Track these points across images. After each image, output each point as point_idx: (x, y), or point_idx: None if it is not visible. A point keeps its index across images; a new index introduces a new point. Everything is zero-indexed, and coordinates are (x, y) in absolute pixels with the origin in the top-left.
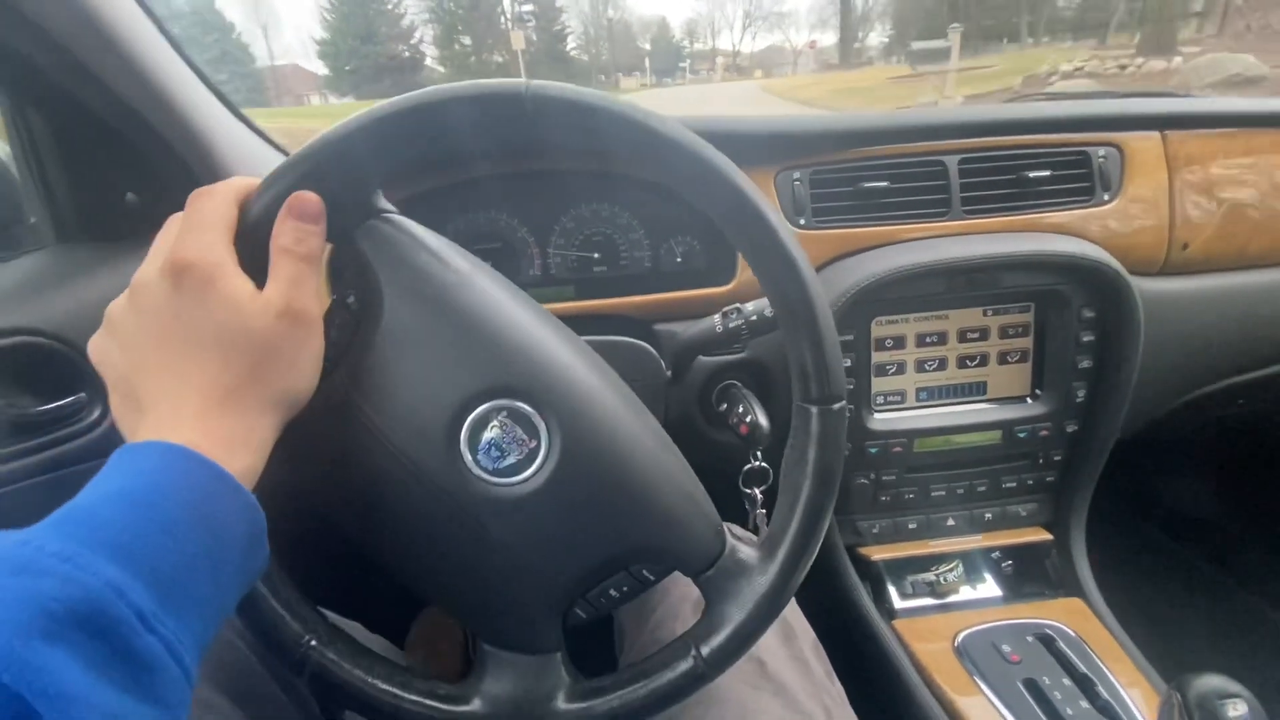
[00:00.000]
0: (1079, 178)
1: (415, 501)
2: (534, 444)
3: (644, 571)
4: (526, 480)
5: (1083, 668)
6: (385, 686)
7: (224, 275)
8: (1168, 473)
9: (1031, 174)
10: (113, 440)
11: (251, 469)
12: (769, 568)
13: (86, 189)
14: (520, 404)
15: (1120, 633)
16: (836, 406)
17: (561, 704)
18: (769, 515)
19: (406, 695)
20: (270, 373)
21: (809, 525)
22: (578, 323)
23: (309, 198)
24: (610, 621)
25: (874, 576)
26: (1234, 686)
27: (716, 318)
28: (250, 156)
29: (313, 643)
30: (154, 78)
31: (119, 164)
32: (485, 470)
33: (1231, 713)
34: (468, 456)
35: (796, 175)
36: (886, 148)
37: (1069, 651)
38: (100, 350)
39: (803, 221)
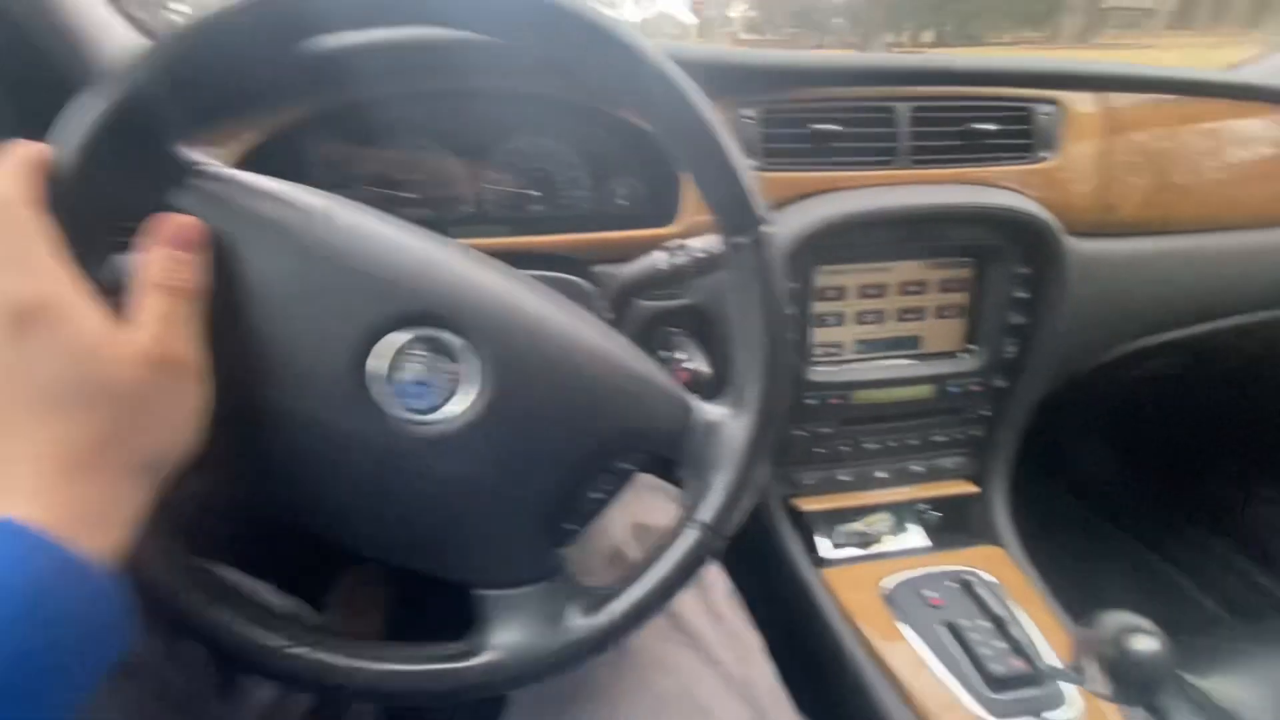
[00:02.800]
0: (1021, 134)
1: (356, 470)
2: (458, 367)
3: (618, 464)
4: (464, 410)
5: (997, 609)
6: (389, 667)
7: (74, 315)
8: (1077, 432)
9: (977, 126)
10: None
11: (116, 546)
12: (742, 417)
13: None
14: (428, 330)
15: (1036, 578)
16: (766, 229)
17: (578, 620)
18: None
19: (413, 668)
20: (138, 431)
21: (774, 362)
22: (512, 261)
23: (185, 221)
24: None
25: (804, 527)
26: (1144, 623)
27: (661, 254)
28: (114, 41)
29: (294, 650)
30: None
31: None
32: (415, 412)
33: (1141, 646)
34: (388, 403)
35: (750, 113)
36: (838, 90)
37: (985, 595)
38: None
39: (755, 165)
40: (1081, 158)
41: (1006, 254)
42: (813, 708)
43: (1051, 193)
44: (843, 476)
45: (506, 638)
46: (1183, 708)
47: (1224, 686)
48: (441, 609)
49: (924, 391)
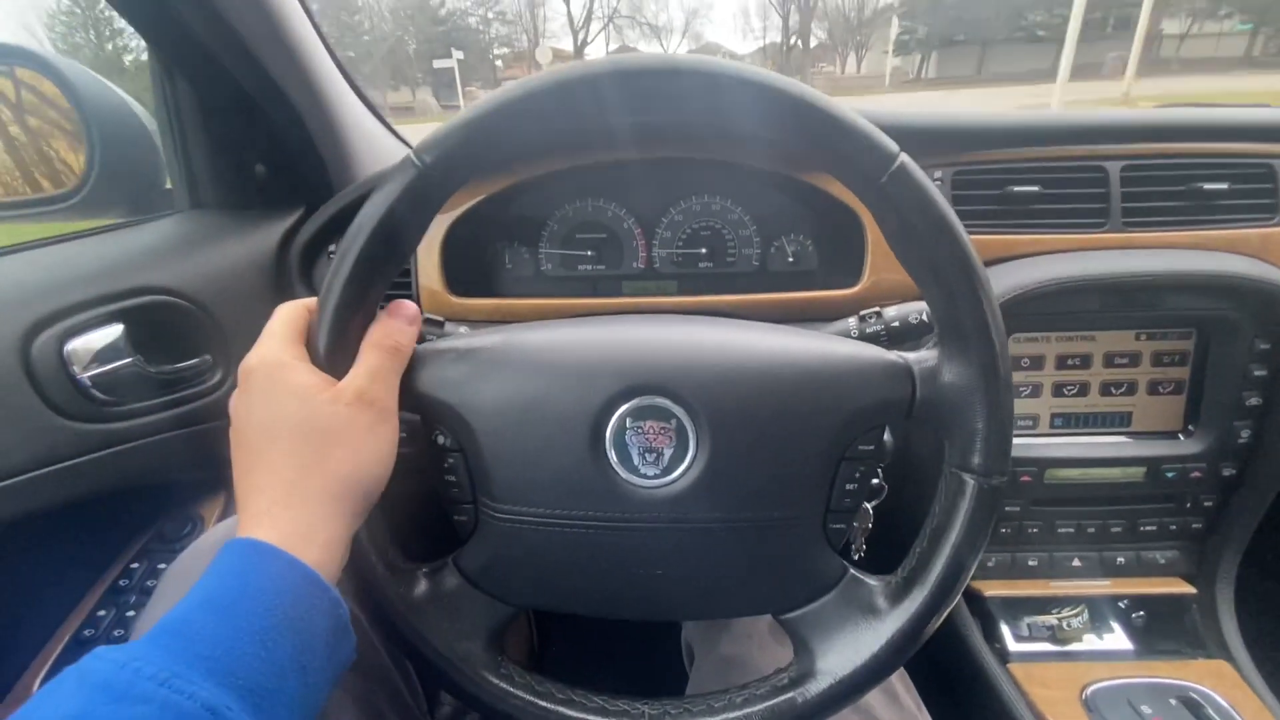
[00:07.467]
0: (1261, 193)
1: (634, 549)
2: (674, 423)
3: (859, 447)
4: (695, 459)
5: None
6: (746, 711)
7: (288, 371)
8: None
9: (1206, 186)
10: None
11: (322, 565)
12: (967, 351)
13: (221, 159)
14: (634, 401)
15: (1276, 705)
16: (902, 158)
17: (886, 607)
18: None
19: (760, 706)
20: (334, 460)
21: (970, 283)
22: None
23: (407, 304)
24: (678, 643)
25: (985, 613)
26: None
27: (853, 321)
28: (374, 144)
29: (654, 712)
30: (301, 58)
31: (253, 137)
32: (655, 478)
33: None
34: (634, 479)
35: (938, 174)
36: (1039, 149)
37: None
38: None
39: None
40: None
41: (1240, 326)
42: None
43: None
44: (1030, 561)
45: (834, 652)
46: None
47: None
48: (582, 634)
49: (1133, 474)
